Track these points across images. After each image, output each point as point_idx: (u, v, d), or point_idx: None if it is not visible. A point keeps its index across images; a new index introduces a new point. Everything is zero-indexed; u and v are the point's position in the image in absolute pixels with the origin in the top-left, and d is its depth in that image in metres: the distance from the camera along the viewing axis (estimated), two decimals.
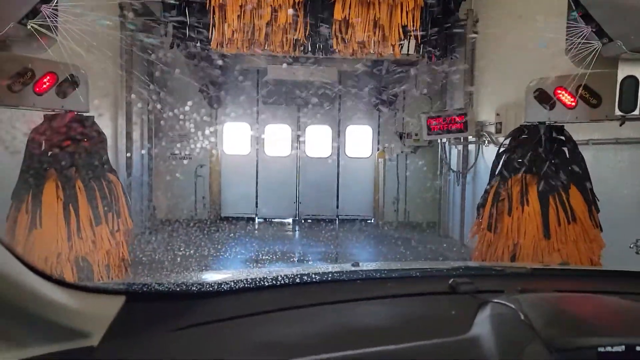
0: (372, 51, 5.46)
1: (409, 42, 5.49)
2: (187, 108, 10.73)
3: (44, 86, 3.44)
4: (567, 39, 2.84)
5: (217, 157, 11.54)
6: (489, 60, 8.69)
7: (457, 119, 8.76)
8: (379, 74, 11.12)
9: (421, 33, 5.19)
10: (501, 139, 7.89)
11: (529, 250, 3.51)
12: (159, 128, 10.62)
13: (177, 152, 11.02)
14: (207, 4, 4.66)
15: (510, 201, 3.66)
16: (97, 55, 7.55)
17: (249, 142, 11.89)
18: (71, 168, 3.41)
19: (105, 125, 7.81)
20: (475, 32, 8.91)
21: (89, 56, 7.03)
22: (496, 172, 4.07)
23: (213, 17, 4.81)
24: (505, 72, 8.02)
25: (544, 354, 0.96)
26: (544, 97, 3.66)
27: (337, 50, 5.54)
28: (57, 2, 2.67)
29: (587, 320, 1.11)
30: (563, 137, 3.70)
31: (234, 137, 11.88)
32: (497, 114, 7.84)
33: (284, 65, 10.67)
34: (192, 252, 7.62)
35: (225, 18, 4.77)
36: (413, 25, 4.93)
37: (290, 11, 4.82)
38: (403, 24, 4.92)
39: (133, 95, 8.73)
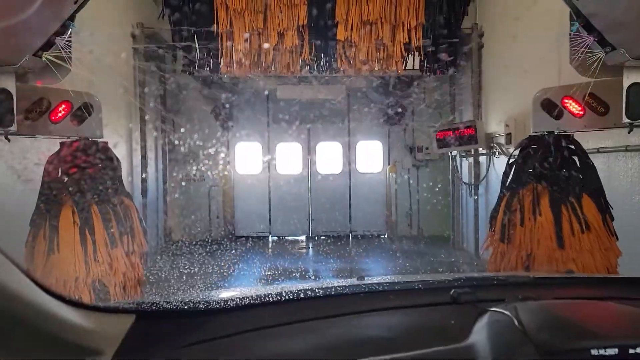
0: (376, 68, 5.57)
1: (413, 58, 5.53)
2: (199, 130, 10.92)
3: (60, 115, 3.55)
4: (570, 49, 2.86)
5: (230, 177, 11.64)
6: (496, 72, 8.71)
7: (467, 132, 8.76)
8: (387, 89, 11.20)
9: (424, 49, 5.20)
10: (511, 150, 7.91)
11: (543, 260, 3.48)
12: (172, 150, 10.77)
13: (190, 173, 11.14)
14: (215, 30, 4.72)
15: (522, 212, 3.64)
16: (112, 82, 7.81)
17: (260, 161, 11.99)
18: (86, 193, 3.47)
19: (120, 149, 7.99)
20: (481, 45, 8.96)
21: (104, 82, 7.24)
22: (507, 183, 4.05)
23: (221, 43, 4.90)
24: (512, 83, 8.03)
25: (535, 358, 0.97)
26: (551, 107, 3.66)
27: (342, 70, 5.62)
28: (70, 34, 2.76)
29: (582, 324, 1.11)
30: (572, 146, 3.71)
31: (246, 156, 12.00)
32: (506, 125, 7.83)
33: (293, 85, 10.86)
34: (206, 271, 7.67)
35: (233, 43, 4.88)
36: (416, 42, 4.97)
37: (296, 34, 4.92)
38: (405, 41, 4.94)
39: (147, 119, 8.90)
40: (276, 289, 1.62)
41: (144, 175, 8.78)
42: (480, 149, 9.00)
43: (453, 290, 1.49)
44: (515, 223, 3.70)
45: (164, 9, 4.79)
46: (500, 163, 8.59)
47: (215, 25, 4.70)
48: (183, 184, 11.07)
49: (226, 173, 11.53)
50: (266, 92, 11.46)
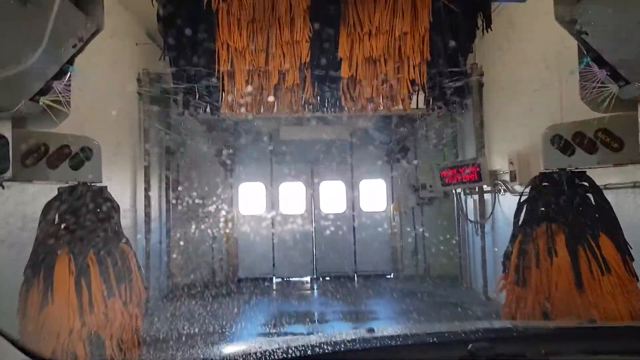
0: (381, 106, 5.28)
1: (417, 95, 5.39)
2: (203, 171, 10.92)
3: (58, 160, 3.47)
4: (581, 84, 2.80)
5: (233, 218, 11.52)
6: (498, 109, 8.72)
7: (471, 169, 8.70)
8: (390, 128, 11.23)
9: (430, 86, 5.03)
10: (517, 187, 7.84)
11: (562, 305, 3.30)
12: (176, 192, 10.72)
13: (193, 215, 11.04)
14: (215, 71, 4.60)
15: (537, 253, 3.49)
16: (117, 126, 7.85)
17: (264, 202, 11.91)
18: (83, 240, 3.36)
19: (124, 191, 7.95)
20: (481, 84, 9.02)
21: (109, 126, 7.26)
22: (519, 223, 3.91)
23: (222, 83, 4.74)
24: (514, 120, 8.02)
25: None
26: (561, 143, 3.57)
27: (346, 108, 5.35)
28: (69, 78, 2.71)
29: None
30: (586, 183, 3.59)
31: (249, 197, 11.94)
32: (510, 162, 7.77)
33: (296, 125, 10.92)
34: (208, 319, 7.46)
35: (234, 83, 4.72)
36: (421, 79, 4.81)
37: (298, 72, 4.76)
38: (411, 78, 4.73)
39: (151, 162, 8.90)
40: (282, 344, 1.49)
41: (147, 218, 8.71)
42: (485, 186, 8.92)
43: (471, 345, 1.38)
44: (530, 265, 3.54)
45: (165, 50, 4.58)
46: (505, 200, 8.49)
47: (216, 65, 4.58)
48: (187, 225, 10.96)
49: (230, 214, 11.41)
50: (269, 133, 11.51)
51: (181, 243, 10.61)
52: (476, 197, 9.46)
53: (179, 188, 10.78)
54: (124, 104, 8.34)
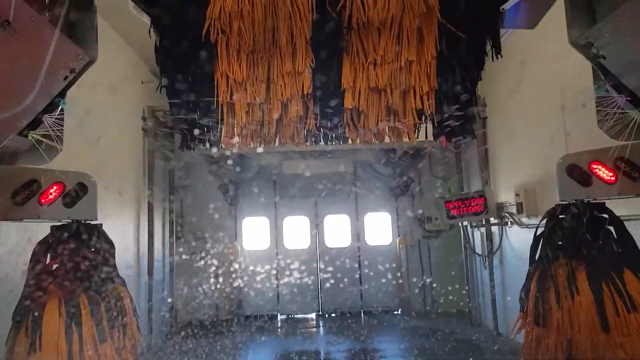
0: (386, 138, 5.01)
1: (425, 126, 5.20)
2: (206, 206, 10.80)
3: (50, 197, 3.34)
4: (598, 110, 2.66)
5: (237, 254, 11.30)
6: (503, 140, 8.62)
7: (476, 201, 8.52)
8: (394, 160, 11.10)
9: (437, 116, 4.67)
10: (524, 219, 7.65)
11: (586, 346, 3.06)
12: (179, 228, 10.58)
13: (197, 250, 10.86)
14: (215, 103, 4.43)
15: (557, 290, 3.27)
16: (122, 161, 7.79)
17: (268, 236, 11.70)
18: (76, 282, 3.19)
19: (126, 227, 7.82)
20: (484, 117, 8.96)
21: (114, 162, 7.19)
22: (535, 258, 3.69)
23: (221, 115, 4.55)
24: (519, 151, 7.90)
25: None
26: (578, 173, 3.40)
27: (350, 139, 5.13)
28: (61, 111, 2.59)
29: None
30: (606, 215, 3.41)
31: (253, 232, 11.74)
32: (517, 194, 7.62)
33: (299, 159, 10.83)
34: (211, 359, 7.21)
35: (234, 115, 4.53)
36: (428, 109, 4.51)
37: (300, 103, 4.57)
38: (417, 108, 4.51)
39: (155, 197, 8.81)
40: None
41: (150, 255, 8.56)
42: (492, 218, 8.72)
43: None
44: (550, 303, 3.31)
45: (161, 82, 4.38)
46: (513, 233, 8.28)
47: (215, 97, 4.39)
48: (190, 261, 10.77)
49: (233, 249, 11.20)
50: (273, 167, 11.41)
51: (184, 279, 10.40)
52: (483, 229, 9.25)
53: (183, 223, 10.64)
54: (128, 140, 8.32)
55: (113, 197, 7.26)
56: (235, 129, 4.65)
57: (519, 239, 8.11)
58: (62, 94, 2.55)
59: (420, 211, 11.37)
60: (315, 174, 11.10)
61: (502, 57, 4.30)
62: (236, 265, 11.01)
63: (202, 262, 10.75)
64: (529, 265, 3.72)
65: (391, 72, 4.35)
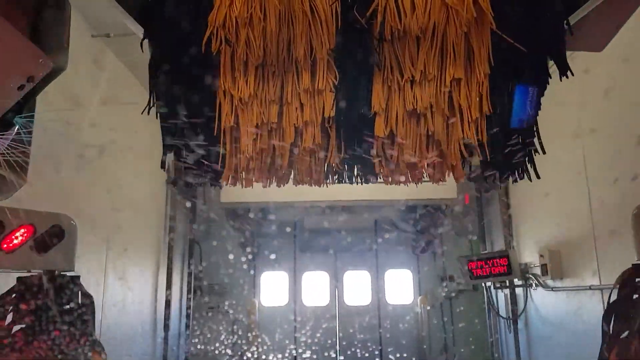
0: (425, 175, 4.01)
1: (470, 164, 4.02)
2: (226, 261, 10.84)
3: (16, 242, 2.84)
4: None
5: (255, 309, 11.22)
6: (526, 198, 8.52)
7: (500, 262, 8.34)
8: (415, 216, 11.04)
9: (489, 149, 3.60)
10: (549, 282, 7.43)
11: None
12: (197, 282, 10.62)
13: (215, 305, 10.83)
14: (215, 128, 3.56)
15: None
16: (143, 215, 7.98)
17: (287, 292, 11.61)
18: (43, 346, 2.74)
19: (145, 279, 7.91)
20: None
21: (137, 215, 7.36)
22: (610, 331, 3.08)
23: (223, 143, 3.66)
24: (542, 211, 7.78)
25: None
26: None
27: (380, 176, 4.10)
28: (18, 132, 2.17)
29: None
30: None
31: (272, 287, 11.67)
32: (541, 256, 7.44)
33: (320, 214, 10.85)
34: None
35: (239, 143, 3.61)
36: (478, 139, 3.50)
37: (319, 130, 3.59)
38: (466, 137, 3.50)
39: (174, 250, 8.92)
40: None
41: (167, 310, 8.58)
42: (516, 280, 8.50)
43: None
44: None
45: (152, 100, 3.59)
46: (538, 296, 8.04)
47: (216, 121, 3.55)
48: (208, 316, 10.72)
49: (251, 304, 11.13)
50: (293, 221, 11.46)
51: (201, 334, 10.33)
52: (507, 291, 9.00)
53: (201, 278, 10.68)
54: (150, 191, 8.53)
55: (133, 248, 7.41)
56: (239, 160, 3.73)
57: (544, 302, 7.85)
58: (19, 110, 2.08)
59: (443, 270, 11.17)
60: (335, 228, 11.08)
61: (570, 75, 3.44)
62: (253, 322, 10.90)
63: (219, 316, 10.70)
64: (602, 343, 3.16)
65: (433, 93, 3.41)
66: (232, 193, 9.27)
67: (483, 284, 9.60)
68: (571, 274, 6.92)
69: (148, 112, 3.53)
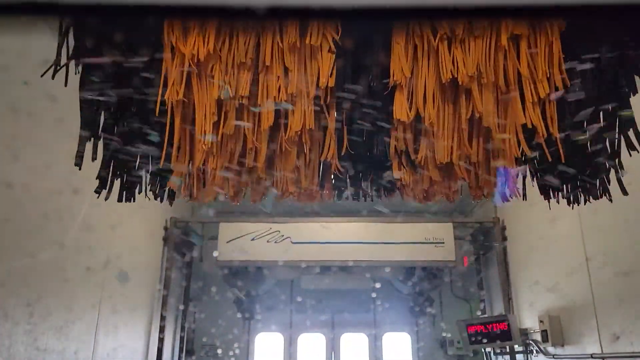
0: (459, 183, 2.80)
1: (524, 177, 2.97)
2: (220, 320, 10.63)
3: None
4: None
5: None
6: (524, 263, 8.50)
7: (499, 327, 8.19)
8: (413, 279, 10.93)
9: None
10: (550, 349, 7.27)
11: None
12: (190, 342, 10.36)
13: None
14: (158, 105, 2.25)
15: None
16: (140, 273, 7.92)
17: (281, 355, 11.29)
18: None
19: (138, 337, 7.75)
20: (504, 238, 8.94)
21: (135, 272, 7.31)
22: None
23: (169, 129, 2.35)
24: (542, 276, 7.75)
25: None
26: None
27: (399, 185, 2.85)
28: None
29: None
30: None
31: (266, 348, 11.37)
32: (541, 321, 7.34)
33: (318, 275, 10.72)
34: None
35: (193, 127, 2.37)
36: (550, 126, 2.25)
37: (312, 108, 2.36)
38: (529, 124, 2.24)
39: (168, 309, 8.76)
40: None
41: None
42: (516, 346, 8.32)
43: None
44: None
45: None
46: None
47: (159, 97, 2.25)
48: None
49: None
50: (290, 281, 11.33)
51: None
52: (507, 357, 8.78)
53: (194, 337, 10.43)
54: (147, 247, 8.52)
55: (126, 304, 7.30)
56: (193, 157, 2.43)
57: None
58: None
59: (442, 334, 10.93)
60: (333, 289, 10.93)
61: None
62: None
63: None
64: None
65: (482, 57, 2.19)
66: (229, 252, 9.24)
67: (483, 349, 9.38)
68: (573, 340, 6.80)
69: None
